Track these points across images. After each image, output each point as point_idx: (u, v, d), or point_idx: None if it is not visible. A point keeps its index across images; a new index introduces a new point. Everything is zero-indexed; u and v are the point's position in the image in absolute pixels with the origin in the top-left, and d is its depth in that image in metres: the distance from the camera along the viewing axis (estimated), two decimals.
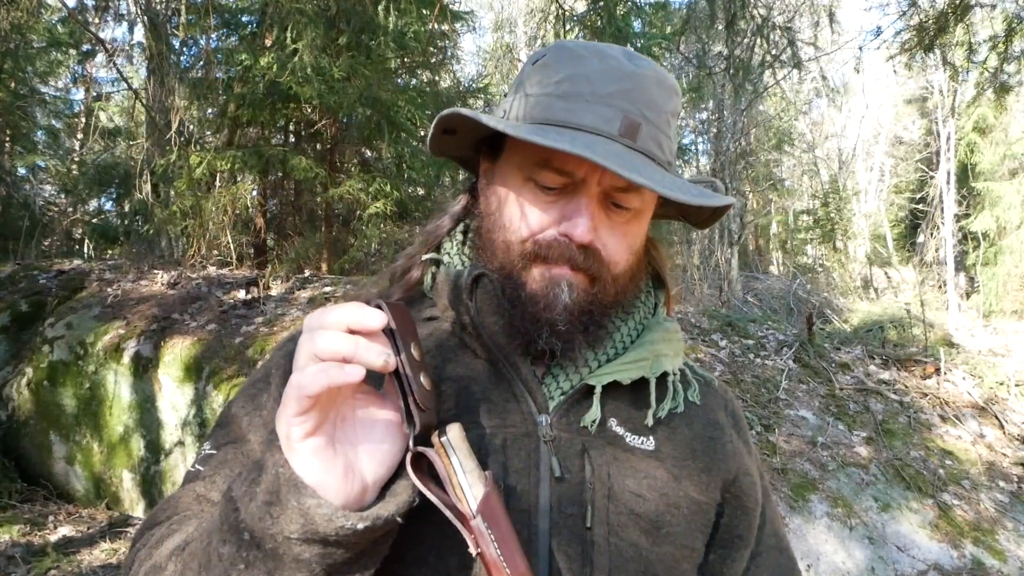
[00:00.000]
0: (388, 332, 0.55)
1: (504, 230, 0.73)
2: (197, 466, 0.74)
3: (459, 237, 0.81)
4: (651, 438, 0.73)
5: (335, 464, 0.52)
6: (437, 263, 0.80)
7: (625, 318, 0.78)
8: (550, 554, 0.66)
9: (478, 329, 0.72)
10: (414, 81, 7.05)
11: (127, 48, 7.80)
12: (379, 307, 0.55)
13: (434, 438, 0.56)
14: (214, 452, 0.74)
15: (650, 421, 0.73)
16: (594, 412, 0.71)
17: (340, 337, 0.51)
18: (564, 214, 0.70)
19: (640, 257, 0.78)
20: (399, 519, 0.55)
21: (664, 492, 0.71)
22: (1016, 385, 4.28)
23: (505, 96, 0.82)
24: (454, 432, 0.57)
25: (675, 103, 0.76)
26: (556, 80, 0.72)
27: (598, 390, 0.72)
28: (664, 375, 0.77)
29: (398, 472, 0.57)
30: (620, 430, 0.72)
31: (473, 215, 0.81)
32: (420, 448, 0.56)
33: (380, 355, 0.52)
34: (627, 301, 0.78)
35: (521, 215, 0.72)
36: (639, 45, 7.69)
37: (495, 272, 0.73)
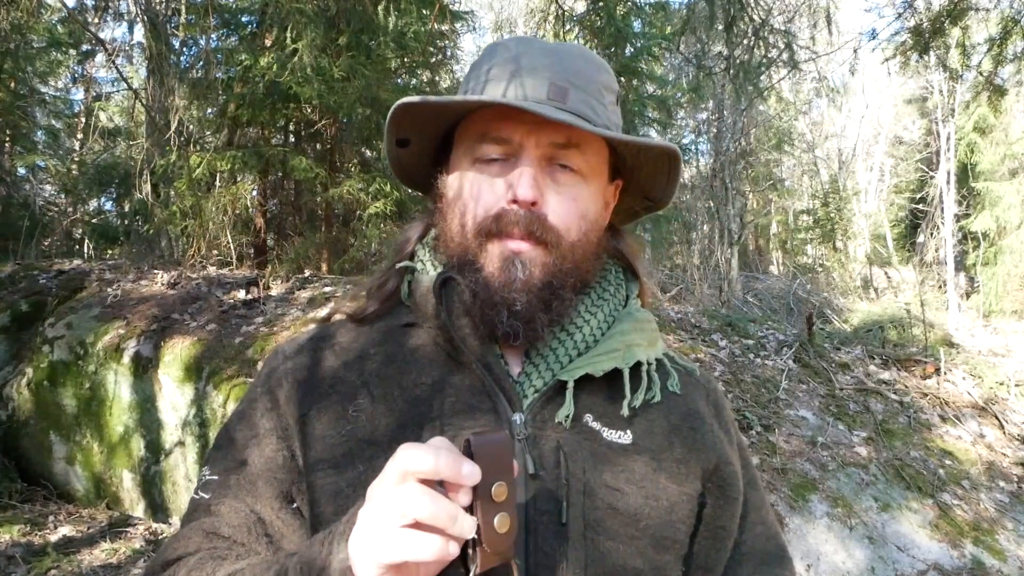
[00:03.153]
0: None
1: (460, 214, 0.76)
2: (200, 493, 0.75)
3: (431, 243, 0.83)
4: (628, 431, 0.73)
5: None
6: (412, 271, 0.82)
7: (595, 310, 0.78)
8: (527, 552, 0.66)
9: (450, 332, 0.73)
10: (414, 81, 7.05)
11: (127, 48, 7.81)
12: (468, 443, 0.55)
13: None
14: (215, 478, 0.75)
15: (625, 412, 0.73)
16: (567, 408, 0.71)
17: (441, 508, 0.51)
18: (508, 180, 0.73)
19: (598, 230, 0.79)
20: None
21: (642, 485, 0.71)
22: (1016, 385, 4.29)
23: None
24: None
25: (606, 78, 0.79)
26: (486, 69, 0.77)
27: (570, 385, 0.72)
28: (638, 365, 0.77)
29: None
30: (596, 425, 0.73)
31: (438, 216, 0.83)
32: None
33: (471, 529, 0.52)
34: (589, 277, 0.78)
35: (472, 194, 0.75)
36: (639, 45, 7.69)
37: (458, 260, 0.75)
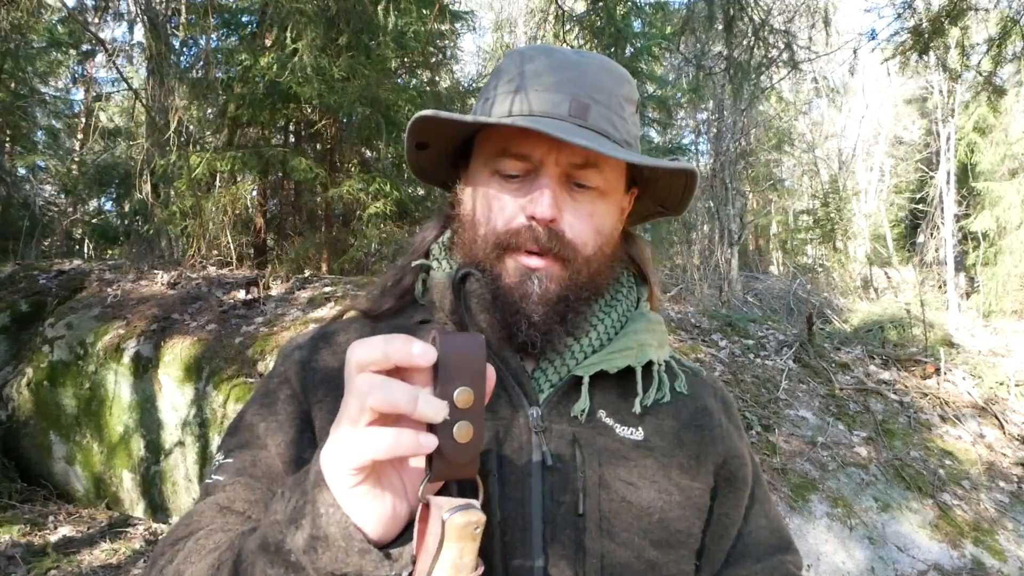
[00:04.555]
0: (434, 369, 0.50)
1: (478, 226, 0.77)
2: (214, 476, 0.74)
3: (446, 244, 0.84)
4: (639, 428, 0.75)
5: (383, 502, 0.51)
6: (427, 269, 0.83)
7: (608, 311, 0.80)
8: (544, 542, 0.67)
9: (467, 327, 0.74)
10: (414, 81, 7.05)
11: (127, 48, 7.80)
12: (433, 340, 0.50)
13: (440, 510, 0.51)
14: (230, 461, 0.74)
15: (637, 409, 0.75)
16: (583, 402, 0.73)
17: (397, 391, 0.47)
18: (528, 197, 0.73)
19: (613, 242, 0.80)
20: None
21: (654, 480, 0.73)
22: (1016, 385, 4.29)
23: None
24: (459, 520, 0.50)
25: (627, 89, 0.80)
26: (508, 79, 0.77)
27: (586, 380, 0.74)
28: (650, 364, 0.78)
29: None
30: (609, 421, 0.74)
31: (454, 221, 0.84)
32: (430, 500, 0.52)
33: (440, 411, 0.49)
34: (603, 287, 0.80)
35: (490, 208, 0.76)
36: (639, 45, 7.70)
37: (476, 269, 0.75)
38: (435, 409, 0.48)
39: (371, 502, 0.50)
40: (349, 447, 0.48)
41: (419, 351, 0.49)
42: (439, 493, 0.54)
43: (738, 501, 0.80)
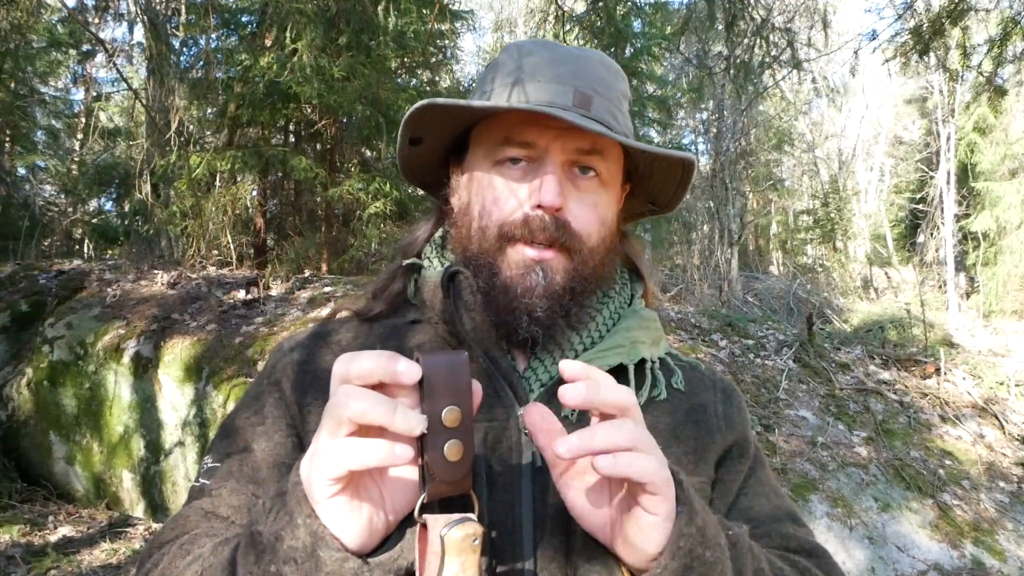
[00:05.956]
0: (420, 386, 0.51)
1: (478, 218, 0.75)
2: (202, 480, 0.75)
3: (438, 242, 0.84)
4: None
5: (360, 514, 0.52)
6: (419, 269, 0.82)
7: (600, 307, 0.79)
8: (534, 544, 0.66)
9: (457, 326, 0.73)
10: (414, 81, 7.05)
11: (127, 48, 7.80)
12: (416, 361, 0.51)
13: (437, 527, 0.52)
14: (218, 465, 0.75)
15: None
16: None
17: (374, 404, 0.49)
18: (533, 186, 0.73)
19: (613, 234, 0.79)
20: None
21: None
22: (1016, 385, 4.29)
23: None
24: (457, 535, 0.52)
25: (624, 86, 0.80)
26: (509, 71, 0.77)
27: None
28: (642, 362, 0.77)
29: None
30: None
31: (448, 218, 0.83)
32: (426, 520, 0.53)
33: (417, 424, 0.49)
34: (606, 281, 0.79)
35: (493, 199, 0.74)
36: (639, 45, 7.70)
37: (472, 263, 0.74)
38: (413, 422, 0.49)
39: (348, 513, 0.51)
40: (327, 457, 0.50)
41: (403, 369, 0.50)
42: (432, 510, 0.54)
43: (734, 471, 0.79)
